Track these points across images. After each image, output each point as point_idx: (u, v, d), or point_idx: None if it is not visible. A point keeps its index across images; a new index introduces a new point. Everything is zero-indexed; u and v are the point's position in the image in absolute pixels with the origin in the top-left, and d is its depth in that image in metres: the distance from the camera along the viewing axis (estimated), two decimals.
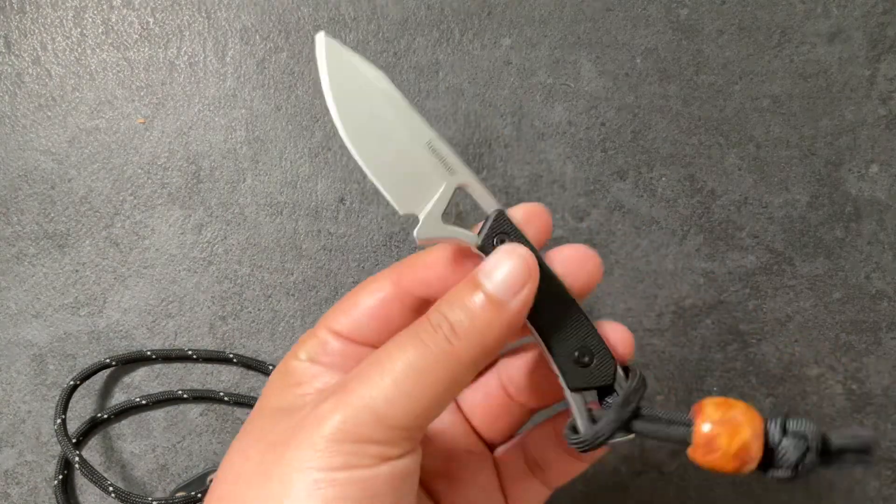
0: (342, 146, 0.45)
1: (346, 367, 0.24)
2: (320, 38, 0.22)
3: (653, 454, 0.44)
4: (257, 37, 0.45)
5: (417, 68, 0.44)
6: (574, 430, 0.24)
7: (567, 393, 0.24)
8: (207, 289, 0.45)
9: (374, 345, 0.24)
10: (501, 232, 0.23)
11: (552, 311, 0.23)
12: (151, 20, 0.45)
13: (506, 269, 0.21)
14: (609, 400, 0.24)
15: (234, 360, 0.44)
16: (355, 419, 0.20)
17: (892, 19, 0.43)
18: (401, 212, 0.23)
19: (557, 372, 0.24)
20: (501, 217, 0.23)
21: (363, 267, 0.45)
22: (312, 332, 0.26)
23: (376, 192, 0.44)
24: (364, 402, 0.20)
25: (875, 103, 0.43)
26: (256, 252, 0.45)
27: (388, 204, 0.45)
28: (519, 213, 0.24)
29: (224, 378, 0.45)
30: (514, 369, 0.27)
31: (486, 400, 0.28)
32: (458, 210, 0.44)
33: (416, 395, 0.20)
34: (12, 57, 0.45)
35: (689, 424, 0.23)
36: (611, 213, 0.44)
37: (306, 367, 0.24)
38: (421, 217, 0.23)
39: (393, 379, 0.21)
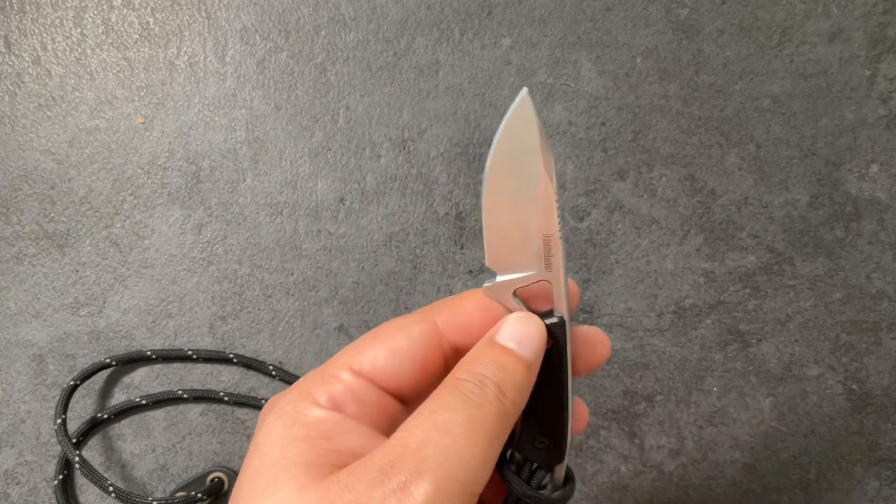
0: (341, 147, 0.45)
1: (375, 420, 0.23)
2: (525, 95, 0.23)
3: (653, 454, 0.44)
4: (257, 37, 0.45)
5: (417, 68, 0.44)
6: (510, 461, 0.27)
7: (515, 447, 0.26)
8: (207, 289, 0.45)
9: (402, 392, 0.24)
10: (553, 336, 0.25)
11: (546, 394, 0.25)
12: (151, 20, 0.45)
13: (534, 336, 0.24)
14: (536, 472, 0.26)
15: (234, 360, 0.44)
16: (445, 489, 0.19)
17: (892, 19, 0.43)
18: (486, 263, 0.25)
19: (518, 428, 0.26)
20: (561, 325, 0.25)
21: (363, 267, 0.45)
22: (329, 371, 0.24)
23: (377, 192, 0.44)
24: (447, 469, 0.20)
25: (875, 103, 0.43)
26: (256, 252, 0.45)
27: (387, 204, 0.45)
28: (583, 334, 0.26)
29: (224, 378, 0.45)
30: None
31: None
32: (458, 210, 0.44)
33: (483, 456, 0.21)
34: (12, 57, 0.45)
35: None
36: (611, 213, 0.44)
37: (332, 417, 0.22)
38: (497, 279, 0.25)
39: (465, 441, 0.20)
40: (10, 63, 0.45)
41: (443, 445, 0.20)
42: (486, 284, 0.25)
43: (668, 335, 0.44)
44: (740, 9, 0.44)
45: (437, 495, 0.19)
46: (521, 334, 0.24)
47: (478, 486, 0.21)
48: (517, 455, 0.26)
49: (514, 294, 0.25)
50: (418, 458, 0.20)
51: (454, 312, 0.25)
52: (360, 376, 0.23)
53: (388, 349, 0.24)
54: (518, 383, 0.23)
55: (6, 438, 0.45)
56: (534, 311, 0.25)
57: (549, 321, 0.25)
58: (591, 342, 0.26)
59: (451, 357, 0.25)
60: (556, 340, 0.25)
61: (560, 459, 0.26)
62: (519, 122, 0.23)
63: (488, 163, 0.23)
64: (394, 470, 0.20)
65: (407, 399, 0.25)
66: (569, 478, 0.27)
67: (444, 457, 0.20)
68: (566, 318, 0.25)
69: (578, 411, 0.27)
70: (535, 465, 0.26)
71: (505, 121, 0.23)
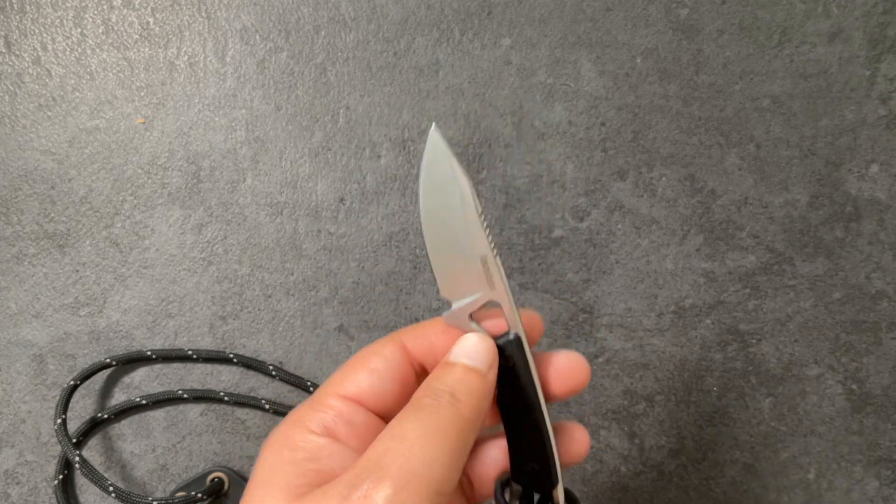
0: (341, 147, 0.45)
1: (366, 439, 0.24)
2: (433, 130, 0.25)
3: (653, 454, 0.44)
4: (257, 37, 0.45)
5: (417, 68, 0.44)
6: (503, 487, 0.27)
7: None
8: (207, 289, 0.45)
9: (387, 410, 0.26)
10: (510, 355, 0.26)
11: (521, 415, 0.26)
12: (151, 20, 0.45)
13: (482, 349, 0.25)
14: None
15: (234, 360, 0.44)
16: (406, 489, 0.21)
17: (892, 19, 0.43)
18: (440, 294, 0.26)
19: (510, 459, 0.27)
20: (517, 343, 0.26)
21: (363, 267, 0.45)
22: (318, 399, 0.25)
23: (377, 192, 0.45)
24: (406, 472, 0.21)
25: (875, 103, 0.43)
26: (256, 252, 0.45)
27: (387, 204, 0.45)
28: (559, 361, 0.27)
29: (224, 378, 0.45)
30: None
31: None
32: None
33: (444, 457, 0.22)
34: (12, 57, 0.45)
35: None
36: (611, 213, 0.44)
37: (319, 441, 0.24)
38: (453, 307, 0.26)
39: (422, 445, 0.22)
40: (11, 63, 0.45)
41: (400, 451, 0.22)
42: (444, 314, 0.26)
43: (668, 335, 0.44)
44: (740, 9, 0.44)
45: (398, 496, 0.20)
46: (469, 349, 0.25)
47: (444, 485, 0.22)
48: (515, 486, 0.27)
49: (471, 318, 0.26)
50: (379, 467, 0.21)
51: (418, 335, 0.27)
52: (348, 400, 0.25)
53: (367, 370, 0.26)
54: (472, 389, 0.24)
55: (6, 438, 0.45)
56: (492, 333, 0.26)
57: (502, 340, 0.26)
58: (568, 367, 0.27)
59: (421, 376, 0.27)
60: (514, 359, 0.26)
61: (553, 482, 0.26)
62: (433, 155, 0.25)
63: (419, 201, 0.25)
64: (358, 481, 0.21)
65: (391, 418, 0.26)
66: (570, 500, 0.27)
67: (402, 461, 0.21)
68: (522, 335, 0.26)
69: (577, 436, 0.28)
70: (537, 494, 0.27)
71: (423, 158, 0.25)
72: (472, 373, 0.25)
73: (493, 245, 0.25)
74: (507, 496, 0.27)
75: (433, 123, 0.25)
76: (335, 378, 0.26)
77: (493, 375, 0.25)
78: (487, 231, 0.25)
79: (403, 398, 0.26)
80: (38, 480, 0.45)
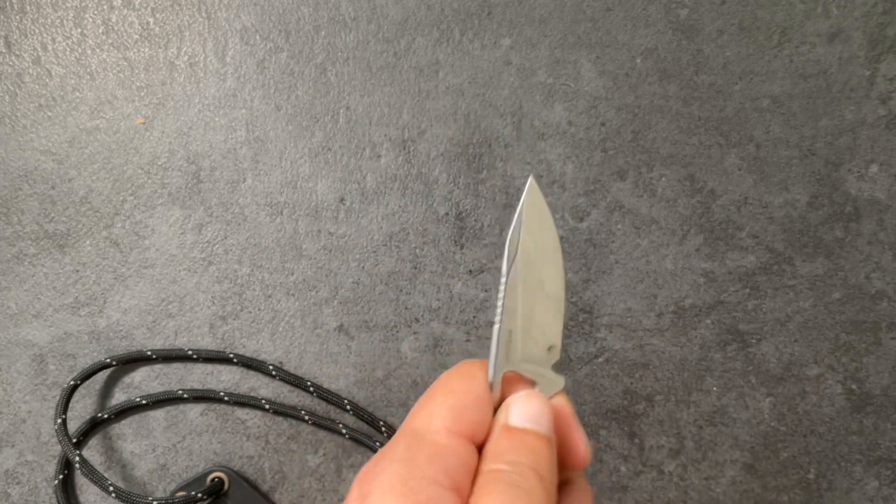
0: (341, 147, 0.45)
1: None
2: (531, 181, 0.24)
3: (653, 454, 0.44)
4: (257, 37, 0.45)
5: (417, 68, 0.44)
6: None
7: None
8: (207, 289, 0.45)
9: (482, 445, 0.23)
10: None
11: None
12: (151, 20, 0.45)
13: (545, 411, 0.24)
14: None
15: (234, 360, 0.44)
16: None
17: (891, 19, 0.43)
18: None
19: None
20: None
21: (363, 267, 0.45)
22: (430, 439, 0.22)
23: (377, 192, 0.45)
24: None
25: (875, 103, 0.43)
26: (256, 252, 0.45)
27: (387, 204, 0.45)
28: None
29: (224, 378, 0.45)
30: None
31: None
32: (458, 210, 0.44)
33: None
34: (13, 57, 0.45)
35: None
36: (611, 213, 0.44)
37: (449, 499, 0.21)
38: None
39: None
40: (11, 63, 0.45)
41: None
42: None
43: (668, 335, 0.44)
44: (740, 9, 0.44)
45: None
46: (531, 412, 0.23)
47: None
48: None
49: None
50: None
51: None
52: (462, 438, 0.22)
53: (474, 400, 0.23)
54: (548, 462, 0.23)
55: (7, 438, 0.45)
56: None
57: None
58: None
59: None
60: None
61: None
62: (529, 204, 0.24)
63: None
64: None
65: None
66: None
67: None
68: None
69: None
70: None
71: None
72: (543, 441, 0.23)
73: (498, 321, 0.24)
74: None
75: (531, 176, 0.24)
76: (438, 406, 0.22)
77: (555, 441, 0.23)
78: (501, 306, 0.24)
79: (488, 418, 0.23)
80: (39, 480, 0.45)
